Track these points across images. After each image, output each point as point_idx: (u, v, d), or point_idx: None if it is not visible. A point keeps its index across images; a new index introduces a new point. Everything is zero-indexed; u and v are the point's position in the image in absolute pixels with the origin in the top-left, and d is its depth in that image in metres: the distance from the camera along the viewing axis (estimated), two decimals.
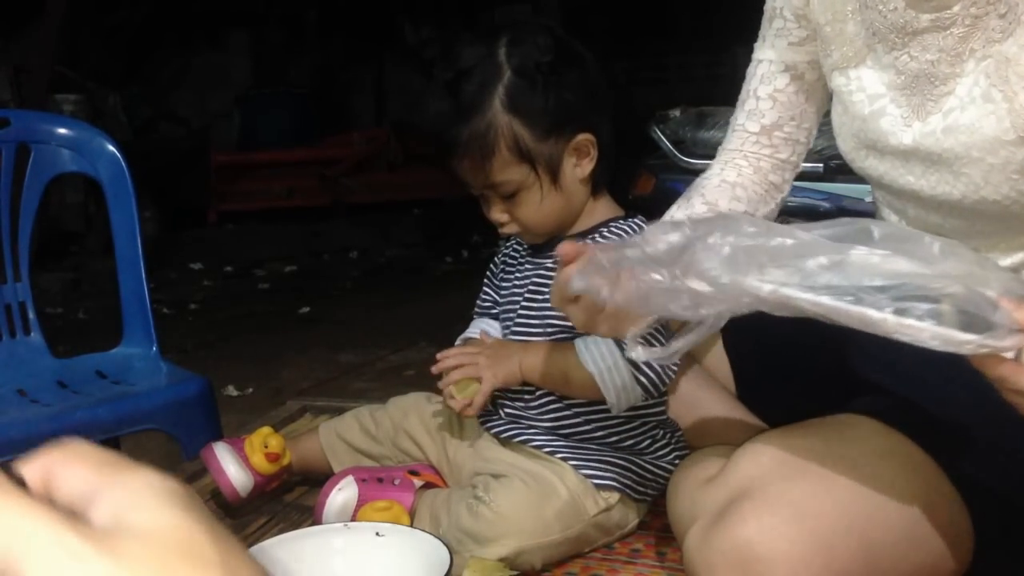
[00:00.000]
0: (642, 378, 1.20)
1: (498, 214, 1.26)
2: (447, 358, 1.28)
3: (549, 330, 1.27)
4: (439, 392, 1.33)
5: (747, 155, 1.29)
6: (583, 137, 1.23)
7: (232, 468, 1.35)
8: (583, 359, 1.20)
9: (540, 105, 1.19)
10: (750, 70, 1.28)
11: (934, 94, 1.06)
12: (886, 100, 1.11)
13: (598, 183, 1.27)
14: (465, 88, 1.20)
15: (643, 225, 1.26)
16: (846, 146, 1.19)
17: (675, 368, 1.28)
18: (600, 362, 1.20)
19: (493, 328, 1.40)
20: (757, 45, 1.27)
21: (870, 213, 1.34)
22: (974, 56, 1.03)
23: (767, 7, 1.25)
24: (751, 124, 1.28)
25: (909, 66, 1.08)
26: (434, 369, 1.29)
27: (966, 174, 1.04)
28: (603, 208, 1.29)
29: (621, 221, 1.27)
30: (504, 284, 1.37)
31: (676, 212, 1.25)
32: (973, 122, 1.02)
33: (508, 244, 1.40)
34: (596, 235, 1.26)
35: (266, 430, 1.42)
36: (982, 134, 1.02)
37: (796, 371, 1.31)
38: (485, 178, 1.22)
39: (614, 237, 1.25)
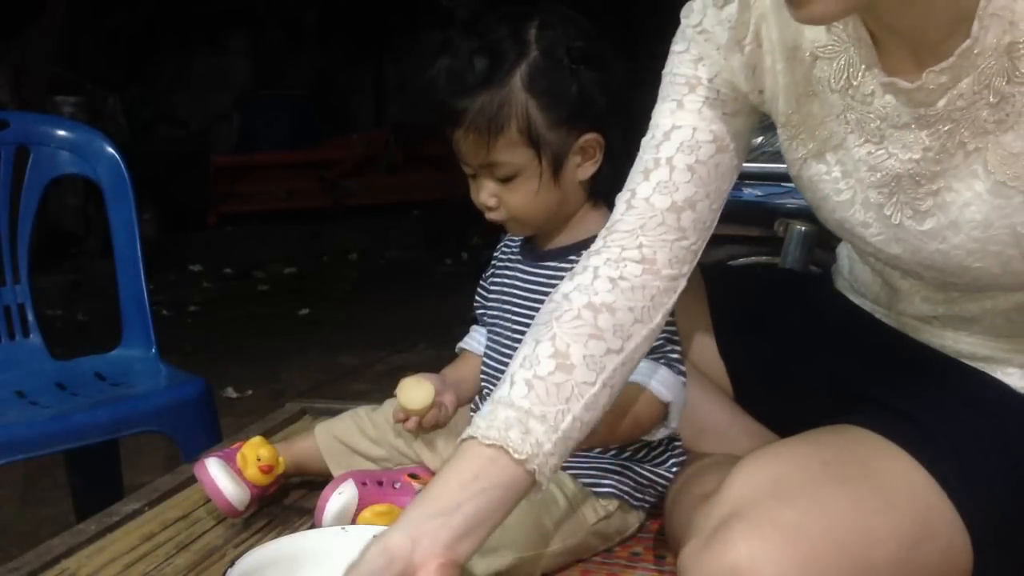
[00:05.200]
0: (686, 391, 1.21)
1: (487, 197, 1.23)
2: None
3: None
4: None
5: (643, 243, 1.06)
6: (591, 137, 1.21)
7: (227, 485, 1.34)
8: (660, 393, 1.18)
9: (560, 91, 1.17)
10: (655, 135, 1.09)
11: (920, 192, 0.98)
12: (864, 197, 1.02)
13: (598, 191, 1.26)
14: (487, 58, 1.16)
15: None
16: (827, 224, 1.11)
17: None
18: (673, 389, 1.19)
19: (484, 337, 1.40)
20: (667, 110, 1.09)
21: None
22: (964, 148, 0.94)
23: (680, 73, 1.08)
24: (659, 199, 1.06)
25: (887, 163, 0.98)
26: None
27: (980, 267, 0.98)
28: (598, 218, 1.25)
29: None
30: (493, 288, 1.36)
31: (514, 366, 1.01)
32: (986, 216, 0.95)
33: (499, 248, 1.39)
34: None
35: (257, 440, 1.40)
36: (999, 227, 0.94)
37: (792, 378, 1.30)
38: (486, 155, 1.19)
39: None
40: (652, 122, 1.10)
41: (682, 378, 1.21)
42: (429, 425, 1.32)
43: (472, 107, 1.17)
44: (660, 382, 1.18)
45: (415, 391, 1.31)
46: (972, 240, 0.96)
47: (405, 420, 1.32)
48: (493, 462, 0.95)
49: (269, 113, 7.81)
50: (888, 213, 1.00)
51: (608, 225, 1.09)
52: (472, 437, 0.96)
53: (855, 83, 0.98)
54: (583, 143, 1.21)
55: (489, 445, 0.94)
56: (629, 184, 1.09)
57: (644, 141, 1.10)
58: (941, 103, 0.92)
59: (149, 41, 7.75)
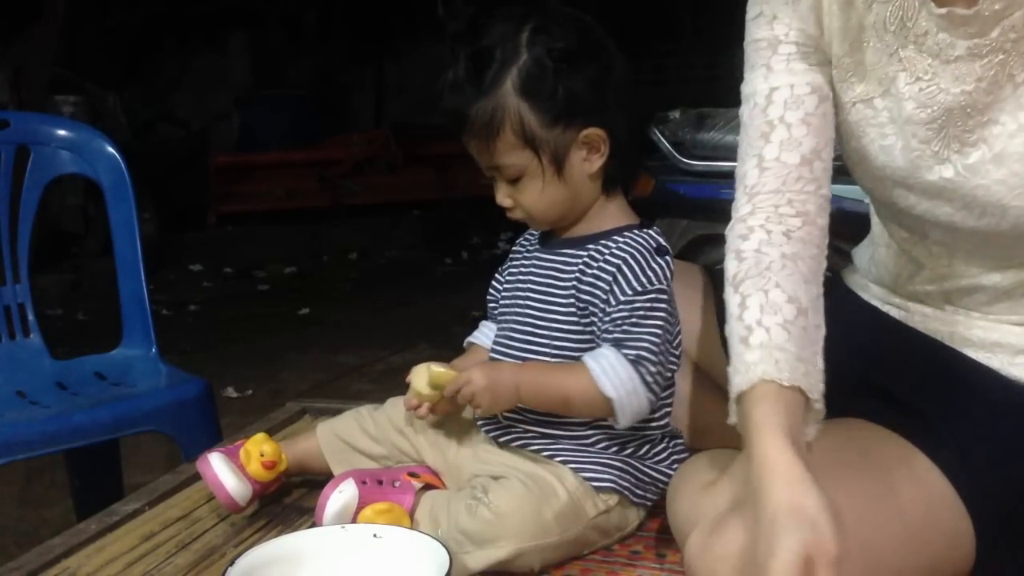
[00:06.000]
0: (652, 397, 1.20)
1: (502, 198, 1.26)
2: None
3: (556, 333, 1.27)
4: None
5: (792, 199, 1.10)
6: (593, 131, 1.22)
7: (229, 479, 1.34)
8: (602, 385, 1.18)
9: (549, 92, 1.19)
10: (757, 101, 1.12)
11: (970, 124, 1.01)
12: (909, 134, 1.06)
13: (611, 182, 1.27)
14: (481, 65, 1.20)
15: (657, 239, 1.25)
16: (867, 178, 1.14)
17: (673, 371, 1.27)
18: (621, 388, 1.18)
19: (492, 332, 1.39)
20: (759, 76, 1.13)
21: (868, 215, 1.33)
22: (1013, 81, 0.98)
23: (760, 37, 1.13)
24: (788, 155, 1.10)
25: (938, 98, 1.02)
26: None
27: (1018, 207, 1.00)
28: (616, 211, 1.28)
29: (635, 231, 1.25)
30: (509, 279, 1.37)
31: (756, 314, 1.03)
32: None
33: (518, 242, 1.39)
34: (608, 242, 1.25)
35: (260, 437, 1.40)
36: None
37: None
38: (490, 158, 1.23)
39: (623, 248, 1.23)
40: (747, 92, 1.14)
41: (643, 379, 1.19)
42: (441, 413, 1.33)
43: (470, 114, 1.20)
44: (610, 377, 1.18)
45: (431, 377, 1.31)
46: (1013, 174, 0.99)
47: (417, 407, 1.32)
48: (795, 400, 0.96)
49: (269, 113, 7.82)
50: (936, 149, 1.03)
51: (748, 190, 1.12)
52: (770, 380, 0.96)
53: (909, 24, 1.03)
54: (584, 138, 1.22)
55: (790, 387, 0.95)
56: (750, 151, 1.12)
57: (745, 112, 1.14)
58: (995, 33, 0.97)
59: (149, 40, 7.76)
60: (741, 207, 1.12)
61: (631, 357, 1.19)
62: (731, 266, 1.08)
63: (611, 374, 1.18)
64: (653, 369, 1.19)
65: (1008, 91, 0.99)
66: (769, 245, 1.07)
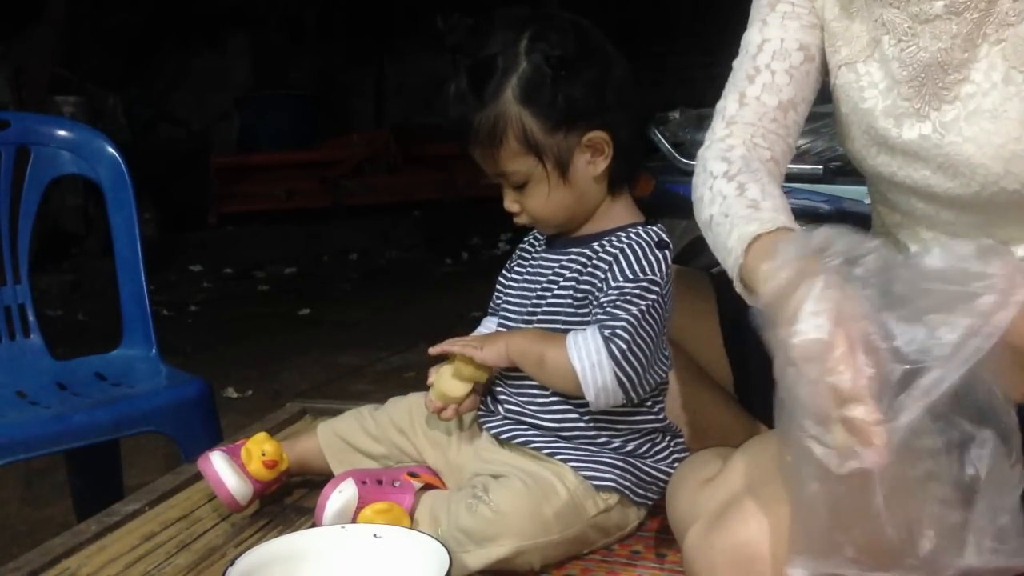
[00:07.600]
0: (623, 377, 1.20)
1: (510, 204, 1.28)
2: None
3: (556, 327, 1.27)
4: None
5: (765, 133, 1.20)
6: (596, 134, 1.23)
7: (230, 478, 1.35)
8: (570, 352, 1.21)
9: (549, 99, 1.21)
10: (749, 50, 1.23)
11: (947, 82, 1.08)
12: (895, 94, 1.12)
13: (616, 183, 1.28)
14: (482, 75, 1.22)
15: (660, 234, 1.26)
16: (855, 145, 1.19)
17: (665, 371, 1.27)
18: (585, 358, 1.20)
19: (496, 326, 1.40)
20: (755, 29, 1.23)
21: (869, 215, 1.34)
22: (987, 40, 1.05)
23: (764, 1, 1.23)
24: (769, 97, 1.20)
25: (918, 57, 1.09)
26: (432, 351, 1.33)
27: (984, 165, 1.05)
28: (622, 210, 1.29)
29: (640, 227, 1.27)
30: (515, 277, 1.37)
31: (758, 194, 1.11)
32: (996, 106, 1.04)
33: (526, 240, 1.40)
34: (612, 238, 1.26)
35: (262, 436, 1.40)
36: (1007, 117, 1.03)
37: None
38: (495, 166, 1.25)
39: (623, 240, 1.24)
40: (743, 42, 1.24)
41: (611, 353, 1.19)
42: (465, 412, 1.33)
43: (473, 125, 1.22)
44: (579, 347, 1.20)
45: (456, 379, 1.31)
46: (981, 131, 1.05)
47: (442, 409, 1.32)
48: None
49: (269, 113, 7.83)
50: (917, 106, 1.10)
51: (726, 119, 1.22)
52: (761, 233, 1.03)
53: None
54: (587, 141, 1.23)
55: (778, 229, 1.03)
56: (733, 89, 1.22)
57: (737, 60, 1.24)
58: None
59: (149, 41, 7.76)
60: (718, 131, 1.22)
61: (605, 333, 1.20)
62: (718, 166, 1.16)
63: (581, 344, 1.20)
64: (624, 346, 1.19)
65: (983, 50, 1.05)
66: (753, 158, 1.17)
